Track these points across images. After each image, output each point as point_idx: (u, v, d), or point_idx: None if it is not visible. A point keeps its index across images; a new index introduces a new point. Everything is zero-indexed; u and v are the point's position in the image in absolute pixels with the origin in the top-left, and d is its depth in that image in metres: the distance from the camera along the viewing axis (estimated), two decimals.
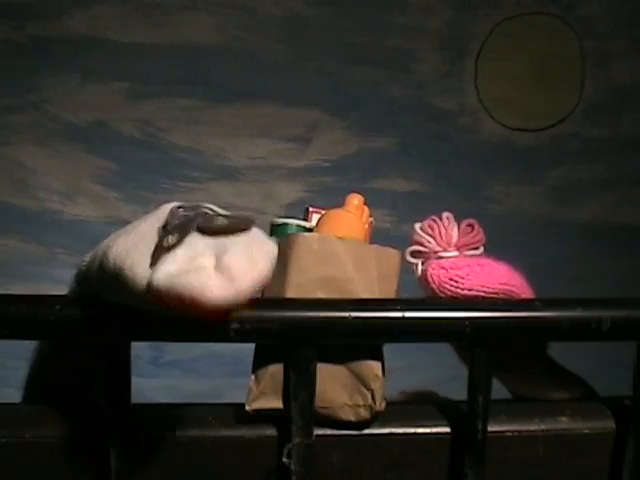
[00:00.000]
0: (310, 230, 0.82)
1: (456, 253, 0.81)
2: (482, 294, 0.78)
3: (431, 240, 0.82)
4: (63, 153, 2.04)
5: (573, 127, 2.23)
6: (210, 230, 0.62)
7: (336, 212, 0.82)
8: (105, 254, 0.67)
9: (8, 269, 2.03)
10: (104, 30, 2.01)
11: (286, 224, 0.82)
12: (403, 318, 0.72)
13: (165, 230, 0.64)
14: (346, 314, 0.71)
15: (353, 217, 0.82)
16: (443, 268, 0.79)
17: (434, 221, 0.82)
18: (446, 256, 0.81)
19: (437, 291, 0.79)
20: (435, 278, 0.79)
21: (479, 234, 0.83)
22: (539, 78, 2.20)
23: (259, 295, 0.78)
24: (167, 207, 0.68)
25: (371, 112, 2.15)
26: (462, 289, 0.78)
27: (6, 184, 2.03)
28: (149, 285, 0.59)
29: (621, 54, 2.22)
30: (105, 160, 2.05)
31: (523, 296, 0.80)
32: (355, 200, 0.83)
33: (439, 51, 2.15)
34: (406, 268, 0.82)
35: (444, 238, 0.81)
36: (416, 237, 0.82)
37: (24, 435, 0.74)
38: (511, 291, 0.79)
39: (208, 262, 0.60)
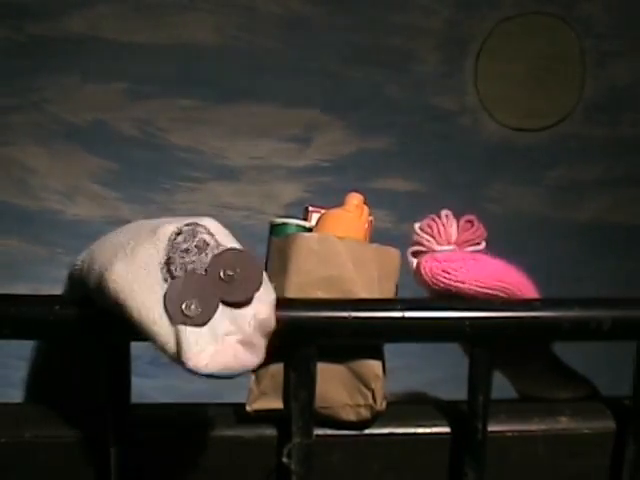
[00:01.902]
0: (310, 230, 0.81)
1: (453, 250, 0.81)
2: (475, 288, 0.78)
3: (430, 239, 0.81)
4: (63, 153, 2.04)
5: (573, 127, 2.23)
6: (232, 304, 0.65)
7: (336, 212, 0.82)
8: (103, 278, 0.66)
9: (8, 269, 2.03)
10: (104, 30, 2.01)
11: (285, 224, 0.82)
12: (403, 318, 0.72)
13: (170, 272, 0.65)
14: (346, 314, 0.71)
15: (353, 217, 0.82)
16: (436, 260, 0.79)
17: (433, 220, 0.82)
18: (441, 250, 0.81)
19: (430, 283, 0.79)
20: (428, 270, 0.79)
21: (479, 230, 0.83)
22: (539, 78, 2.20)
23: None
24: (164, 233, 0.66)
25: (371, 112, 2.15)
26: (455, 281, 0.78)
27: (6, 184, 2.03)
28: (185, 363, 0.62)
29: (621, 54, 2.22)
30: (105, 160, 2.05)
31: (520, 295, 0.80)
32: (355, 199, 0.83)
33: (439, 51, 2.15)
34: (406, 268, 0.81)
35: (443, 236, 0.81)
36: (415, 237, 0.82)
37: (24, 435, 0.74)
38: (506, 289, 0.79)
39: (235, 338, 0.64)
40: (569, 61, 2.21)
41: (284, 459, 0.74)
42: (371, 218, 0.83)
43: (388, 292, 0.79)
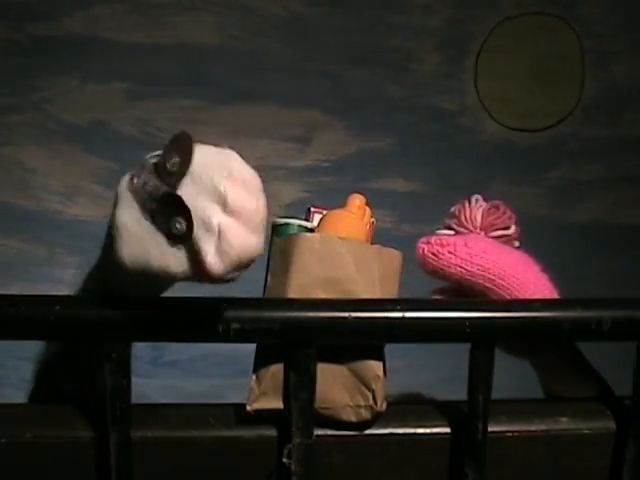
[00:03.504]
0: (312, 230, 0.81)
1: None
2: (458, 273, 0.79)
3: (458, 223, 0.83)
4: (63, 153, 2.04)
5: (573, 127, 2.23)
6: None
7: (338, 212, 0.82)
8: (119, 261, 0.67)
9: (8, 269, 2.03)
10: (104, 30, 2.01)
11: (288, 224, 0.82)
12: (403, 318, 0.72)
13: (152, 214, 0.66)
14: (346, 314, 0.71)
15: (355, 217, 0.82)
16: (428, 242, 0.81)
17: (462, 204, 0.84)
18: (442, 233, 0.83)
19: (421, 265, 0.81)
20: (420, 250, 0.81)
21: (505, 214, 0.85)
22: (539, 78, 2.20)
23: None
24: (122, 189, 0.70)
25: (371, 112, 2.15)
26: (442, 264, 0.80)
27: (6, 184, 2.03)
28: (206, 270, 0.62)
29: (621, 54, 2.22)
30: (105, 160, 2.05)
31: (513, 291, 0.80)
32: (357, 200, 0.83)
33: (439, 51, 2.15)
34: (407, 268, 0.82)
35: (469, 220, 0.83)
36: (446, 221, 0.84)
37: (24, 435, 0.74)
38: (491, 280, 0.79)
39: (217, 218, 0.63)
40: (569, 61, 2.21)
41: (284, 459, 0.74)
42: (373, 220, 0.84)
43: (389, 293, 0.79)
